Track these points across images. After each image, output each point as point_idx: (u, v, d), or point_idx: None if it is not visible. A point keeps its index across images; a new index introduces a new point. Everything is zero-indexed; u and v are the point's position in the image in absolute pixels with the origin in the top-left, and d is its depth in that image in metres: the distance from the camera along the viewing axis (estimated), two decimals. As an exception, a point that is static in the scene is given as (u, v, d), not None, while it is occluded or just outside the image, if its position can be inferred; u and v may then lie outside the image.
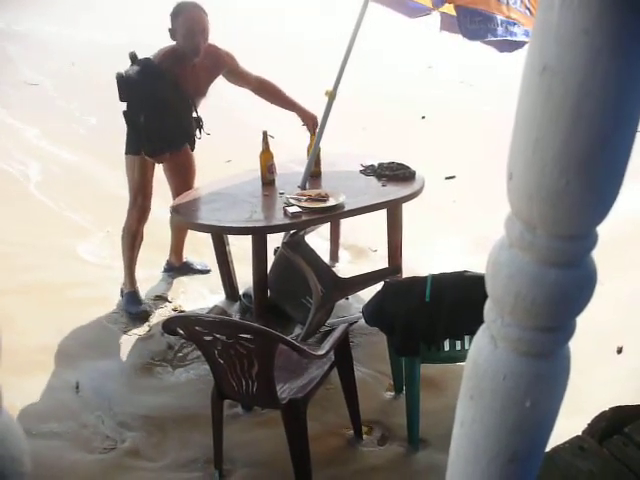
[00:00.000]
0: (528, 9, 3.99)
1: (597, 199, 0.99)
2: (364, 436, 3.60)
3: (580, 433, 2.58)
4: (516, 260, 1.05)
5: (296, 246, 4.29)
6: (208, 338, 2.97)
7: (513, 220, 1.05)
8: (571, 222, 1.00)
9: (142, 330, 4.54)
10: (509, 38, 3.99)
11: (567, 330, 1.11)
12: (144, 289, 4.93)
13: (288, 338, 3.07)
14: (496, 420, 1.16)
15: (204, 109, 4.66)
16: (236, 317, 4.54)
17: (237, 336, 2.89)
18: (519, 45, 4.31)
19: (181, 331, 3.08)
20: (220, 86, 4.70)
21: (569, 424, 2.29)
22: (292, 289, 4.35)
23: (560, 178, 0.95)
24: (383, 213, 4.61)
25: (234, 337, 2.90)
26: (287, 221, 4.03)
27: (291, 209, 4.04)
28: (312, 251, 4.35)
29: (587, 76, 0.88)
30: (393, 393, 3.91)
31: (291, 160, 4.93)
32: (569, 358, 1.16)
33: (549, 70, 0.90)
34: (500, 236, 1.09)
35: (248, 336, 2.89)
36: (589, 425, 2.59)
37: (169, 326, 3.11)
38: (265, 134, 4.43)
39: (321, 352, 3.11)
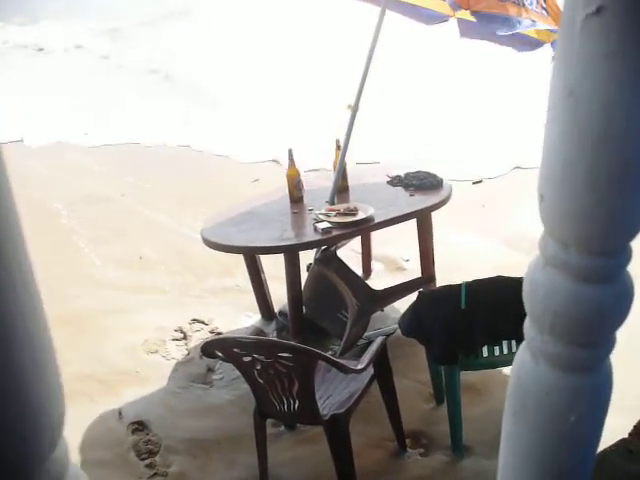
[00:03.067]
0: (544, 9, 4.00)
1: (628, 215, 1.00)
2: (408, 447, 3.60)
3: (627, 435, 2.55)
4: (552, 279, 1.07)
5: (328, 261, 4.30)
6: (247, 359, 3.00)
7: (547, 239, 1.06)
8: (604, 239, 1.01)
9: (181, 354, 4.57)
10: (534, 29, 4.01)
11: (607, 344, 1.12)
12: (180, 312, 4.96)
13: (327, 354, 3.09)
14: (542, 435, 1.17)
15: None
16: (273, 336, 4.55)
17: (276, 355, 2.92)
18: (538, 44, 4.32)
19: (220, 354, 3.11)
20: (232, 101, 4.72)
21: (612, 423, 2.27)
22: (327, 304, 4.37)
23: (590, 197, 0.96)
24: (413, 222, 4.62)
25: (273, 356, 2.93)
26: (318, 237, 4.05)
27: (321, 225, 4.05)
28: (345, 265, 4.37)
29: (610, 100, 0.89)
30: (434, 403, 3.90)
31: (317, 176, 4.95)
32: (611, 371, 1.16)
33: (574, 95, 0.91)
34: (535, 256, 1.10)
35: (287, 355, 2.91)
36: (635, 427, 2.56)
37: (207, 349, 3.15)
38: (290, 152, 4.45)
39: (360, 366, 3.12)
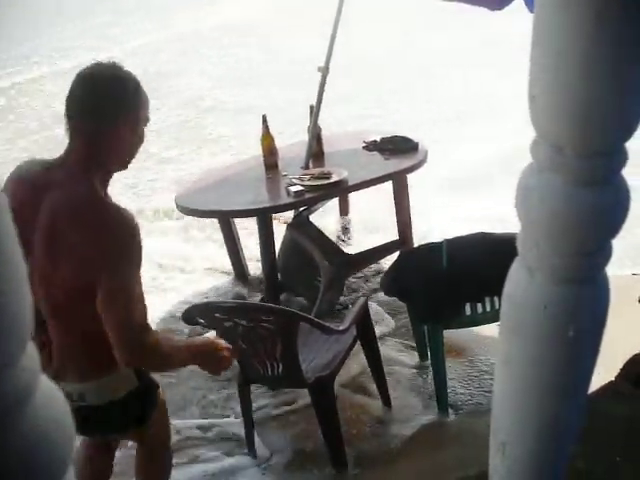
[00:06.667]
0: None
1: (625, 112, 0.96)
2: (393, 408, 3.57)
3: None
4: (546, 183, 1.02)
5: (300, 226, 4.27)
6: (228, 324, 2.96)
7: (539, 143, 1.01)
8: (600, 138, 0.97)
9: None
10: None
11: (604, 253, 1.08)
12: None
13: (309, 316, 3.06)
14: (540, 353, 1.13)
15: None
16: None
17: (257, 319, 2.88)
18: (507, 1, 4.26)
19: (201, 320, 3.06)
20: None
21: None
22: (301, 271, 4.34)
23: (585, 92, 0.91)
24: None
25: (254, 320, 2.88)
26: (290, 200, 4.02)
27: (294, 188, 4.01)
28: (317, 229, 4.34)
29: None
30: (418, 360, 3.86)
31: (292, 142, 4.91)
32: (608, 283, 1.13)
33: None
34: (527, 163, 1.05)
35: (268, 317, 2.87)
36: (622, 369, 2.55)
37: (189, 316, 3.09)
38: (264, 118, 4.39)
39: (342, 327, 3.09)
